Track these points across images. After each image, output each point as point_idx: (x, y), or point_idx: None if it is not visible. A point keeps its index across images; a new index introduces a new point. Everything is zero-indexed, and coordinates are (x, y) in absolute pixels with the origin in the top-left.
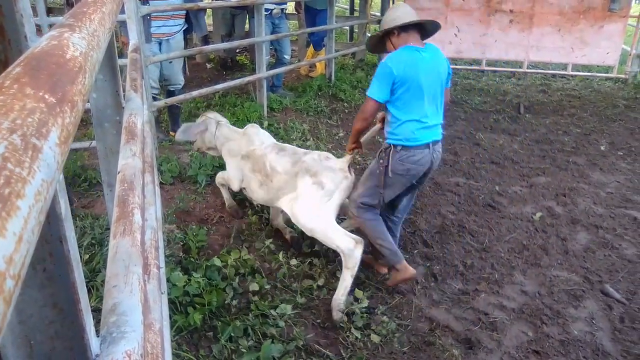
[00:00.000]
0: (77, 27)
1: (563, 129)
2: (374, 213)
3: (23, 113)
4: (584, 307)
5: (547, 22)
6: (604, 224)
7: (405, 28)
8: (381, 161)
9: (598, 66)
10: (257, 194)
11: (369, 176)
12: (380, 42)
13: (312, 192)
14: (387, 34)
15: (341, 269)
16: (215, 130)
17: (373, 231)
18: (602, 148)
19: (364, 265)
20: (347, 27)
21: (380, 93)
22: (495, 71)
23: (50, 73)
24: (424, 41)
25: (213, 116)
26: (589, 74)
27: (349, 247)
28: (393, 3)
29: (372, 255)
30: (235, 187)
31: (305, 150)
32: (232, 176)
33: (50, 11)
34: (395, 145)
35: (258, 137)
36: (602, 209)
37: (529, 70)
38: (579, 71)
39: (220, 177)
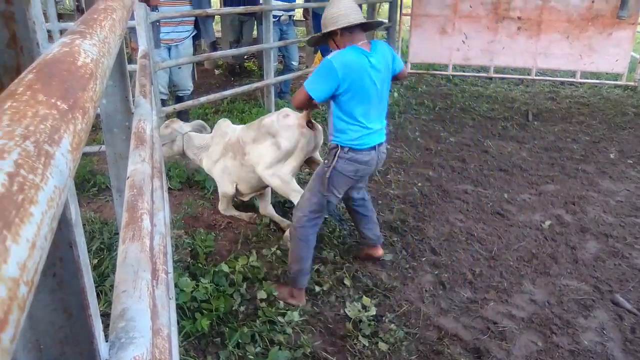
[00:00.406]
0: (88, 34)
1: (572, 136)
2: (312, 230)
3: (36, 120)
4: (594, 317)
5: (555, 29)
6: (614, 232)
7: (350, 27)
8: (326, 161)
9: (607, 73)
10: (244, 182)
11: (314, 181)
12: (323, 39)
13: (270, 152)
14: (330, 33)
15: (348, 276)
16: (182, 144)
17: (299, 250)
18: (612, 156)
19: (362, 258)
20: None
21: (318, 92)
22: (503, 78)
23: (62, 80)
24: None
25: (178, 127)
26: (598, 81)
27: None
28: (401, 10)
29: (364, 244)
30: (230, 190)
31: (269, 114)
32: (222, 183)
33: (60, 17)
34: (342, 147)
35: (230, 128)
36: (612, 217)
37: (537, 78)
38: (588, 78)
39: (220, 203)
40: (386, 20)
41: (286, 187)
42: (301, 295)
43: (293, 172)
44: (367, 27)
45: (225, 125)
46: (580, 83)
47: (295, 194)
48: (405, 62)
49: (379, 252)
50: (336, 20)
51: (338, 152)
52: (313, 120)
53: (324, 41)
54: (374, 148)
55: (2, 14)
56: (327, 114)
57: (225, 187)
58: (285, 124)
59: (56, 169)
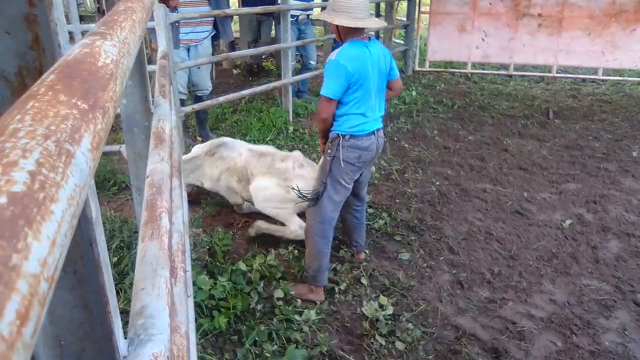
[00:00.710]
0: (108, 35)
1: (593, 134)
2: (327, 225)
3: (57, 119)
4: (615, 317)
5: (576, 26)
6: (637, 232)
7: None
8: (329, 151)
9: (630, 70)
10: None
11: (320, 174)
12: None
13: (277, 192)
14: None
15: (365, 275)
16: None
17: (317, 246)
18: (634, 154)
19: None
20: (373, 32)
21: (335, 91)
22: (523, 76)
23: (82, 80)
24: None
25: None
26: (621, 78)
27: (297, 233)
28: (419, 8)
29: (350, 248)
30: (240, 200)
31: (284, 154)
32: (230, 197)
33: (82, 19)
34: (343, 135)
35: (235, 151)
36: (634, 216)
37: (558, 75)
38: (610, 75)
39: (235, 208)
40: (385, 24)
41: (285, 218)
42: (320, 292)
43: (296, 210)
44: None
45: (224, 148)
46: (603, 80)
47: (294, 225)
48: (424, 60)
49: (362, 257)
50: (348, 12)
51: (340, 141)
52: None
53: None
54: (372, 133)
55: (25, 17)
56: None
57: (235, 200)
58: (300, 175)
59: (76, 168)
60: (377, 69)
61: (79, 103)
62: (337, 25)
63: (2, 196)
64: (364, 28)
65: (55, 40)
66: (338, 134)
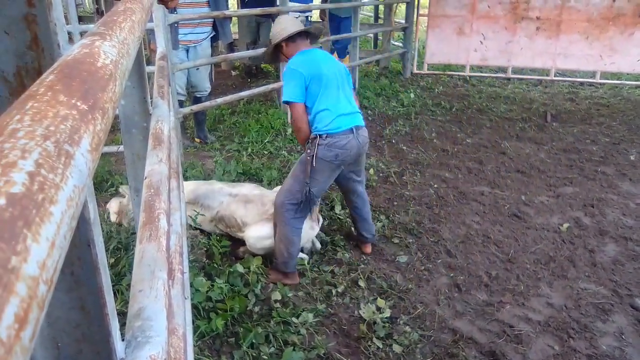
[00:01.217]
0: (107, 35)
1: (591, 138)
2: (294, 215)
3: (56, 120)
4: (613, 321)
5: (574, 29)
6: (634, 236)
7: (292, 38)
8: (308, 151)
9: (628, 74)
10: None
11: (297, 168)
12: (274, 54)
13: (266, 231)
14: (277, 46)
15: (363, 277)
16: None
17: (287, 231)
18: (632, 158)
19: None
20: (371, 35)
21: (298, 94)
22: (521, 79)
23: (82, 80)
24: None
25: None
26: (619, 82)
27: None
28: (418, 11)
29: (357, 239)
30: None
31: (268, 193)
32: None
33: (80, 19)
34: (320, 135)
35: (215, 199)
36: (631, 220)
37: (556, 78)
38: (608, 79)
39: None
40: (323, 25)
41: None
42: (294, 277)
43: None
44: (310, 36)
45: (204, 197)
46: (600, 84)
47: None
48: (422, 63)
49: (369, 249)
50: (280, 33)
51: (317, 140)
52: (319, 214)
53: (275, 58)
54: (351, 131)
55: (24, 17)
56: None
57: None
58: None
59: (76, 169)
60: (332, 67)
61: (79, 104)
62: (282, 52)
63: (1, 197)
64: (307, 40)
65: (55, 40)
66: (316, 135)
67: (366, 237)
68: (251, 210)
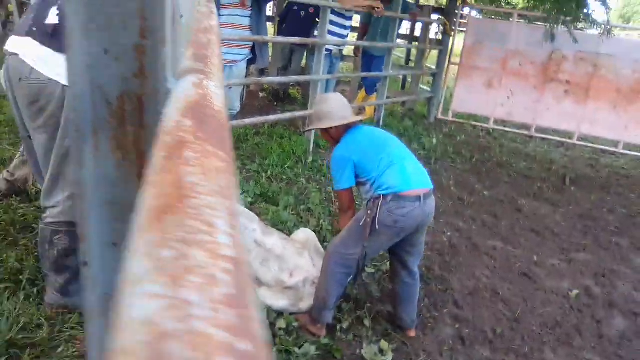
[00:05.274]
0: (210, 74)
1: (608, 207)
2: (339, 269)
3: (218, 174)
4: None
5: (603, 98)
6: None
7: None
8: (369, 212)
9: None
10: None
11: (354, 225)
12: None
13: (282, 306)
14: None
15: (369, 317)
16: None
17: (330, 284)
18: None
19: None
20: (401, 76)
21: (348, 181)
22: (544, 138)
23: (214, 128)
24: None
25: None
26: None
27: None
28: (450, 59)
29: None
30: None
31: (296, 250)
32: None
33: None
34: (385, 195)
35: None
36: None
37: (578, 142)
38: (630, 150)
39: None
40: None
41: None
42: (323, 329)
43: None
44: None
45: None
46: (622, 154)
47: None
48: (447, 110)
49: (412, 333)
50: (329, 116)
51: (380, 201)
52: None
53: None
54: (418, 199)
55: (135, 47)
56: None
57: None
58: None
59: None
60: (383, 134)
61: (222, 154)
62: (328, 132)
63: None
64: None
65: (162, 72)
66: (380, 195)
67: (406, 321)
68: (267, 274)
